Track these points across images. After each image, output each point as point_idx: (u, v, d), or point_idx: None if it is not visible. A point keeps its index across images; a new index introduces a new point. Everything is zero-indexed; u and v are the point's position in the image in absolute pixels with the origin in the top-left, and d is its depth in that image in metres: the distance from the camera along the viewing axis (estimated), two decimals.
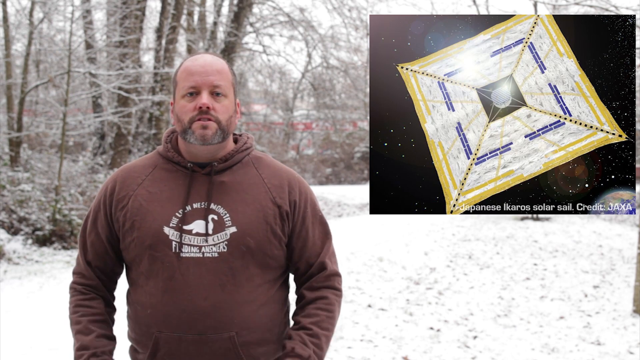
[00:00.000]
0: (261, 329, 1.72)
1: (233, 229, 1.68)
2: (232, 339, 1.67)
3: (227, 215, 1.70)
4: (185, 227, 1.68)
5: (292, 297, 1.88)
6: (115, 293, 1.87)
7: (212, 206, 1.70)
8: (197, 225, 1.68)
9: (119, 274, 1.83)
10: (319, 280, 1.80)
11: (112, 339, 1.76)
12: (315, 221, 1.82)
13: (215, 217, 1.69)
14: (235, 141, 1.83)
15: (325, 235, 1.84)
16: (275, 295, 1.77)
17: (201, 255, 1.67)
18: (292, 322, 1.82)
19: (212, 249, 1.67)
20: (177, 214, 1.69)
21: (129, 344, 1.80)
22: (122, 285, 1.85)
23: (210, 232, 1.68)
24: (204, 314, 1.65)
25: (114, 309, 1.82)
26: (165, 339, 1.67)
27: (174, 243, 1.67)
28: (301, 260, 1.80)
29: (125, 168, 1.81)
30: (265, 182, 1.77)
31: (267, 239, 1.71)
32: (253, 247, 1.69)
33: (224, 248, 1.67)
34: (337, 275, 1.83)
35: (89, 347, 1.68)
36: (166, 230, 1.68)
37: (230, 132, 1.75)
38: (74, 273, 1.81)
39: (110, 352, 1.72)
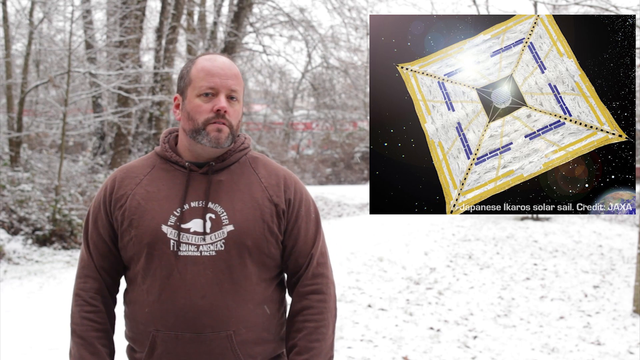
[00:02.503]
0: (258, 327, 1.72)
1: (230, 228, 1.69)
2: (229, 338, 1.67)
3: (225, 213, 1.70)
4: (183, 226, 1.68)
5: (289, 297, 1.88)
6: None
7: (210, 205, 1.71)
8: (195, 224, 1.69)
9: (121, 274, 1.83)
10: (304, 284, 1.77)
11: (113, 356, 1.78)
12: (309, 221, 1.81)
13: (213, 216, 1.69)
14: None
15: (317, 235, 1.82)
16: (272, 295, 1.77)
17: (199, 254, 1.67)
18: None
19: (209, 247, 1.68)
20: (175, 212, 1.70)
21: (126, 343, 1.80)
22: (120, 285, 1.85)
23: (208, 230, 1.68)
24: (201, 312, 1.65)
25: (114, 317, 1.82)
26: (162, 338, 1.67)
27: (172, 241, 1.68)
28: (291, 258, 1.78)
29: (124, 168, 1.81)
30: (262, 181, 1.77)
31: (264, 237, 1.72)
32: (250, 245, 1.70)
33: (221, 246, 1.68)
34: (322, 276, 1.79)
35: None
36: (164, 228, 1.68)
37: (236, 136, 1.77)
38: (78, 277, 1.79)
39: None
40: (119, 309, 1.84)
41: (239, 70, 1.77)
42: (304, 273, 1.78)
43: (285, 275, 1.85)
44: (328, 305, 1.78)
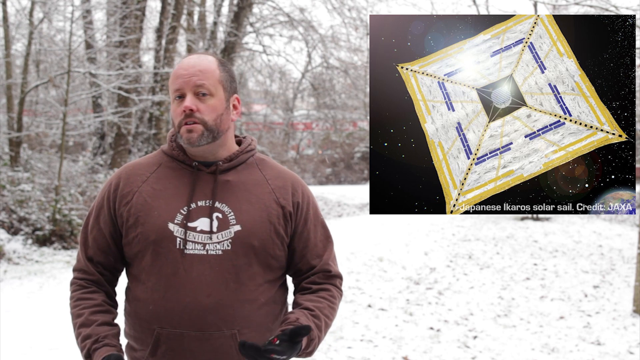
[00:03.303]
0: (262, 327, 1.73)
1: (237, 228, 1.70)
2: (234, 337, 1.68)
3: (232, 213, 1.71)
4: (189, 224, 1.69)
5: (290, 298, 1.88)
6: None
7: (217, 204, 1.71)
8: (202, 223, 1.69)
9: (120, 271, 1.83)
10: (322, 278, 1.82)
11: (114, 325, 1.75)
12: (317, 223, 1.85)
13: (220, 216, 1.70)
14: (239, 143, 1.85)
15: (327, 238, 1.87)
16: (275, 295, 1.78)
17: (205, 253, 1.68)
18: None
19: (216, 246, 1.68)
20: (181, 210, 1.70)
21: (125, 341, 1.79)
22: (121, 283, 1.84)
23: (214, 230, 1.69)
24: (206, 310, 1.66)
25: (116, 303, 1.82)
26: (166, 336, 1.67)
27: (178, 239, 1.68)
28: (302, 261, 1.81)
29: (130, 165, 1.82)
30: (269, 183, 1.79)
31: (271, 238, 1.73)
32: (257, 246, 1.71)
33: (228, 246, 1.69)
34: (340, 277, 1.87)
35: (90, 335, 1.67)
36: (171, 226, 1.69)
37: (223, 131, 1.75)
38: (74, 270, 1.80)
39: (113, 336, 1.70)
40: (120, 310, 1.83)
41: (214, 64, 1.73)
42: (320, 272, 1.82)
43: (293, 277, 1.87)
44: (340, 298, 1.84)
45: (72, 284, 1.79)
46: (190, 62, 1.72)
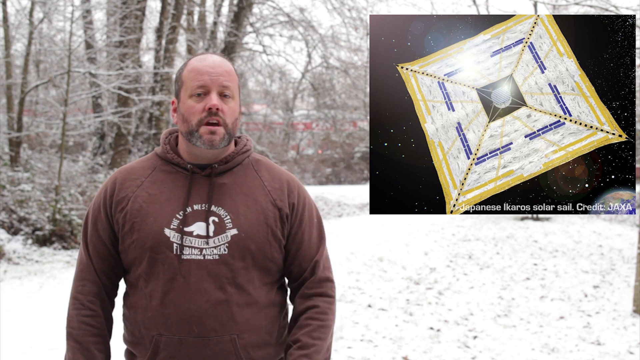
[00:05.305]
0: (261, 331, 1.71)
1: (234, 231, 1.67)
2: (233, 341, 1.66)
3: (228, 217, 1.69)
4: (186, 229, 1.66)
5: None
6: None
7: (213, 208, 1.69)
8: (198, 227, 1.67)
9: (120, 277, 1.81)
10: (310, 287, 1.77)
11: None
12: (312, 225, 1.81)
13: (216, 219, 1.68)
14: (235, 143, 1.82)
15: (320, 240, 1.83)
16: (274, 298, 1.76)
17: (202, 258, 1.66)
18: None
19: (212, 251, 1.66)
20: (177, 215, 1.68)
21: (124, 347, 1.79)
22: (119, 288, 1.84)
23: (211, 234, 1.67)
24: (204, 316, 1.64)
25: (112, 321, 1.80)
26: (165, 342, 1.65)
27: (175, 245, 1.66)
28: (294, 263, 1.78)
29: (124, 170, 1.79)
30: (265, 184, 1.76)
31: (268, 241, 1.70)
32: (254, 249, 1.68)
33: (224, 250, 1.66)
34: (329, 280, 1.81)
35: None
36: (167, 232, 1.66)
37: (235, 135, 1.74)
38: (76, 280, 1.77)
39: None
40: (117, 313, 1.83)
41: (232, 68, 1.74)
42: (310, 277, 1.78)
43: (287, 280, 1.84)
44: (332, 307, 1.78)
45: (73, 298, 1.75)
46: (215, 61, 1.70)
